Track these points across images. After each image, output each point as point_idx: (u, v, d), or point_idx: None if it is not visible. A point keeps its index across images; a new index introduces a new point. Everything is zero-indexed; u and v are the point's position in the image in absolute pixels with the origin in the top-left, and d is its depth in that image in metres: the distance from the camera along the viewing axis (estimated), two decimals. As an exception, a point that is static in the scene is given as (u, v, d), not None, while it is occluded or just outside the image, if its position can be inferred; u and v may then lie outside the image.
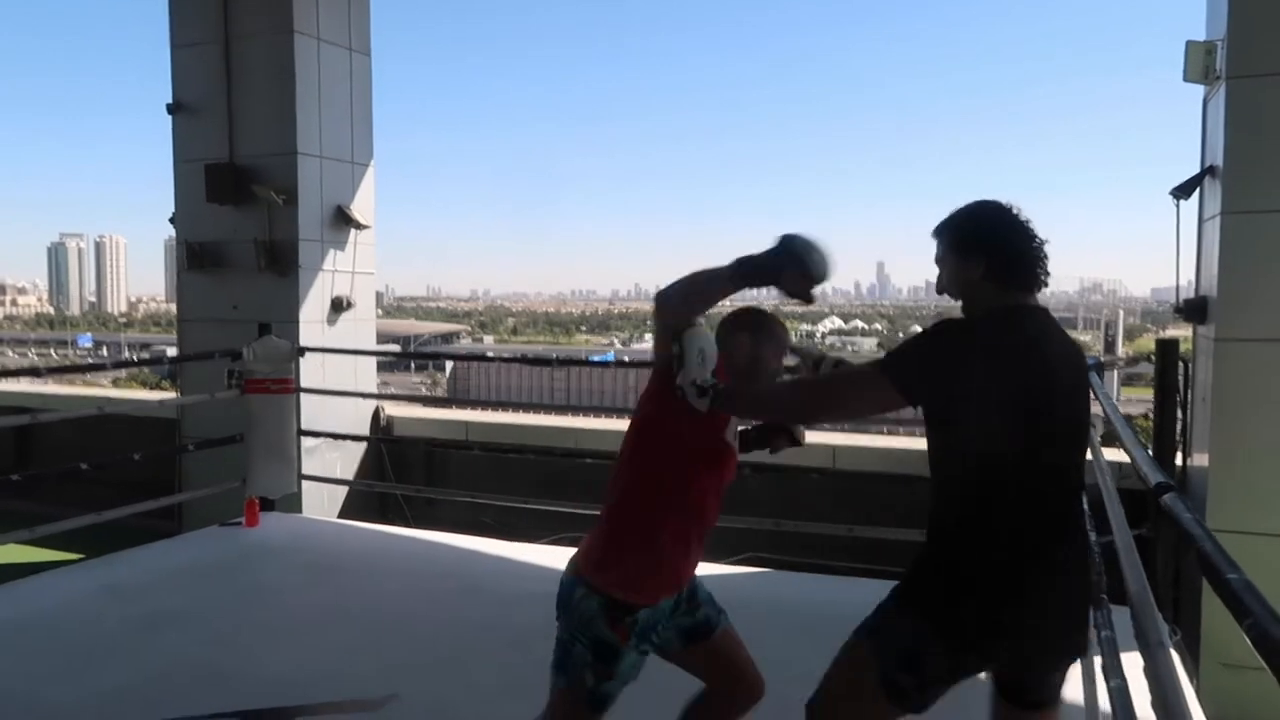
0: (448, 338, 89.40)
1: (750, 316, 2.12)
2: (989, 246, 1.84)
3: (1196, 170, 4.47)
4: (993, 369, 1.71)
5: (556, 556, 4.60)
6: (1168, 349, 4.48)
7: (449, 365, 41.52)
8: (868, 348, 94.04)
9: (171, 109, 6.75)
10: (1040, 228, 1.87)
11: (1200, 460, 4.33)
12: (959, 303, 1.90)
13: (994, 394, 1.71)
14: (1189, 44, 4.31)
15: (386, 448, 6.84)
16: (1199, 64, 4.30)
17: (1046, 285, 1.87)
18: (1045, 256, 1.86)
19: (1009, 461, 1.74)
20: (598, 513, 2.10)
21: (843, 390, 1.91)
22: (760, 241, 1.86)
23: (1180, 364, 4.45)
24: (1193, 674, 3.62)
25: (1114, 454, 3.73)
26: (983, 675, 1.92)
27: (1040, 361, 1.77)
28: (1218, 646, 3.88)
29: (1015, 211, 1.87)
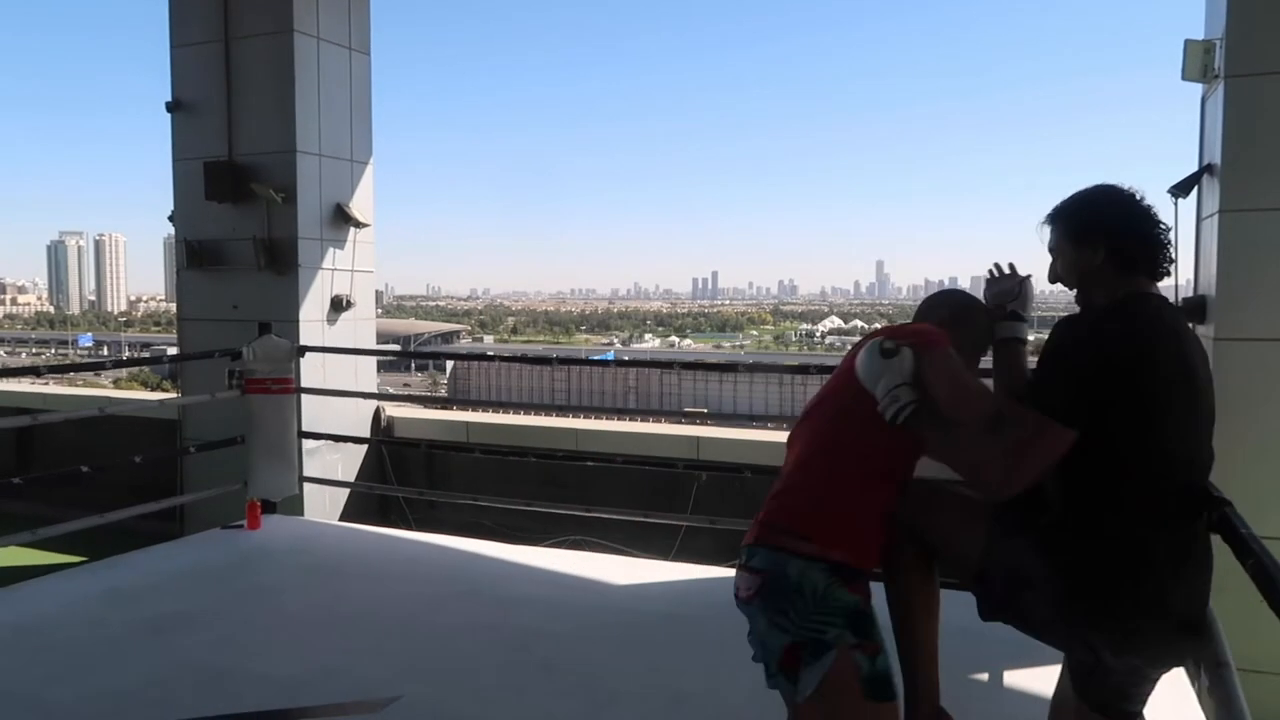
0: (448, 337, 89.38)
1: (946, 309, 2.15)
2: (1109, 230, 1.79)
3: (1194, 169, 4.47)
4: (1146, 360, 1.66)
5: (558, 559, 4.61)
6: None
7: (449, 365, 41.52)
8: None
9: (170, 107, 6.76)
10: (1164, 216, 1.83)
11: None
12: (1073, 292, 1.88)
13: (1153, 383, 1.66)
14: (1187, 43, 4.32)
15: (388, 449, 6.84)
16: (1197, 63, 4.30)
17: (1169, 274, 1.83)
18: (1168, 243, 1.81)
19: (1179, 458, 1.72)
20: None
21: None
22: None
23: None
24: (1194, 677, 3.61)
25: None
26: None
27: (1188, 347, 1.73)
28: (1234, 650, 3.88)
29: (1136, 196, 1.82)
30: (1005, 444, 1.64)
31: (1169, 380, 1.67)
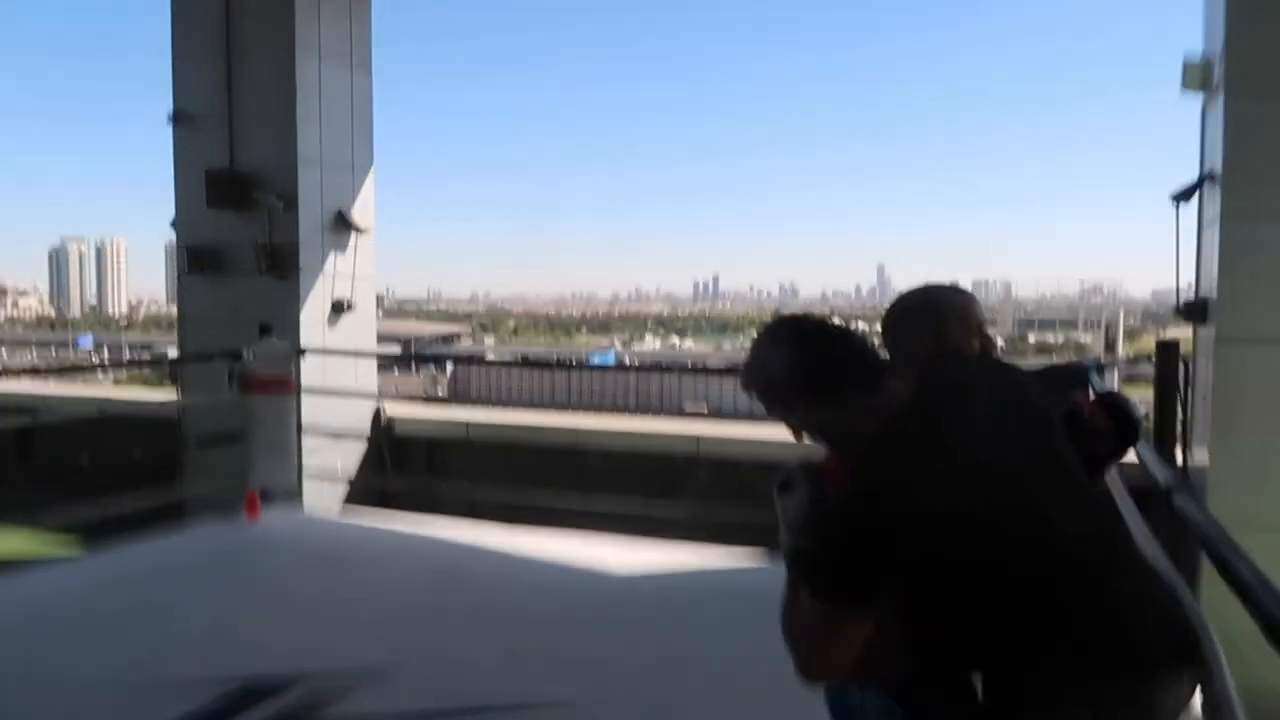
0: (448, 339, 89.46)
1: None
2: (792, 387, 1.51)
3: (1195, 176, 4.51)
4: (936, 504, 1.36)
5: (557, 548, 4.61)
6: (1168, 349, 4.50)
7: (449, 367, 41.54)
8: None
9: (173, 119, 6.76)
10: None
11: (1200, 458, 4.35)
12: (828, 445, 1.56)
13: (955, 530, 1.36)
14: (1186, 60, 4.38)
15: (388, 450, 6.84)
16: (1196, 76, 4.37)
17: (876, 376, 1.51)
18: (857, 343, 1.52)
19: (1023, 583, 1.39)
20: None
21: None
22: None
23: (1181, 364, 4.47)
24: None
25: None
26: None
27: (976, 444, 1.45)
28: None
29: (787, 320, 1.58)
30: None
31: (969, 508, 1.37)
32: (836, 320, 1.65)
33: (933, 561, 1.36)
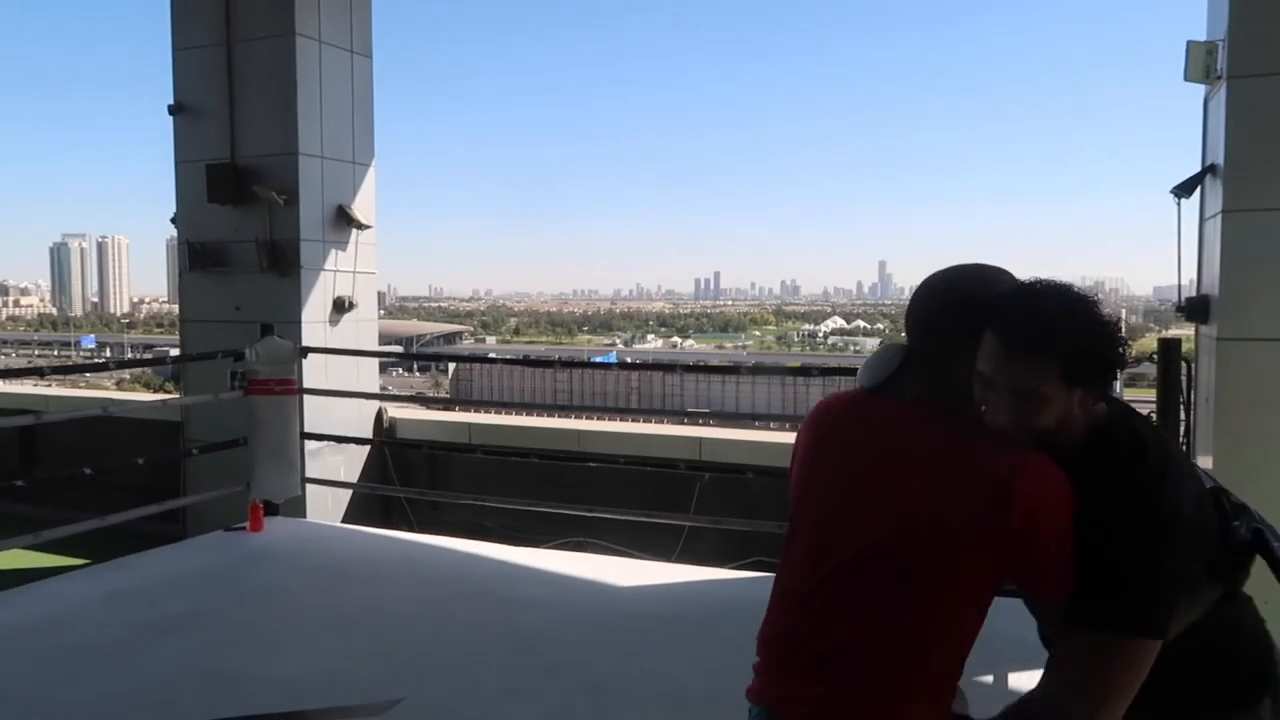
0: (450, 338, 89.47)
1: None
2: (1093, 364, 1.33)
3: (1197, 169, 4.47)
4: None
5: (560, 560, 4.61)
6: (1170, 349, 4.46)
7: (451, 366, 41.56)
8: (870, 347, 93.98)
9: (173, 110, 6.77)
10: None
11: (1204, 461, 4.32)
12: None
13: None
14: (1190, 44, 4.32)
15: (390, 451, 6.84)
16: (1200, 64, 4.30)
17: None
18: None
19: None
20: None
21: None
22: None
23: (1183, 364, 4.44)
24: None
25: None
26: None
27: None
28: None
29: (1086, 294, 1.38)
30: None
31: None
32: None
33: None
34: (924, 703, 1.37)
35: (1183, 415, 4.43)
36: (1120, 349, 1.34)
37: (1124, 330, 1.37)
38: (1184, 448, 4.42)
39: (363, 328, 6.93)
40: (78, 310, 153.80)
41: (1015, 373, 1.31)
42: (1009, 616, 1.72)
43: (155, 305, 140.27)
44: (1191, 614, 1.41)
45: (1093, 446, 1.37)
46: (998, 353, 1.32)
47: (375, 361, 7.57)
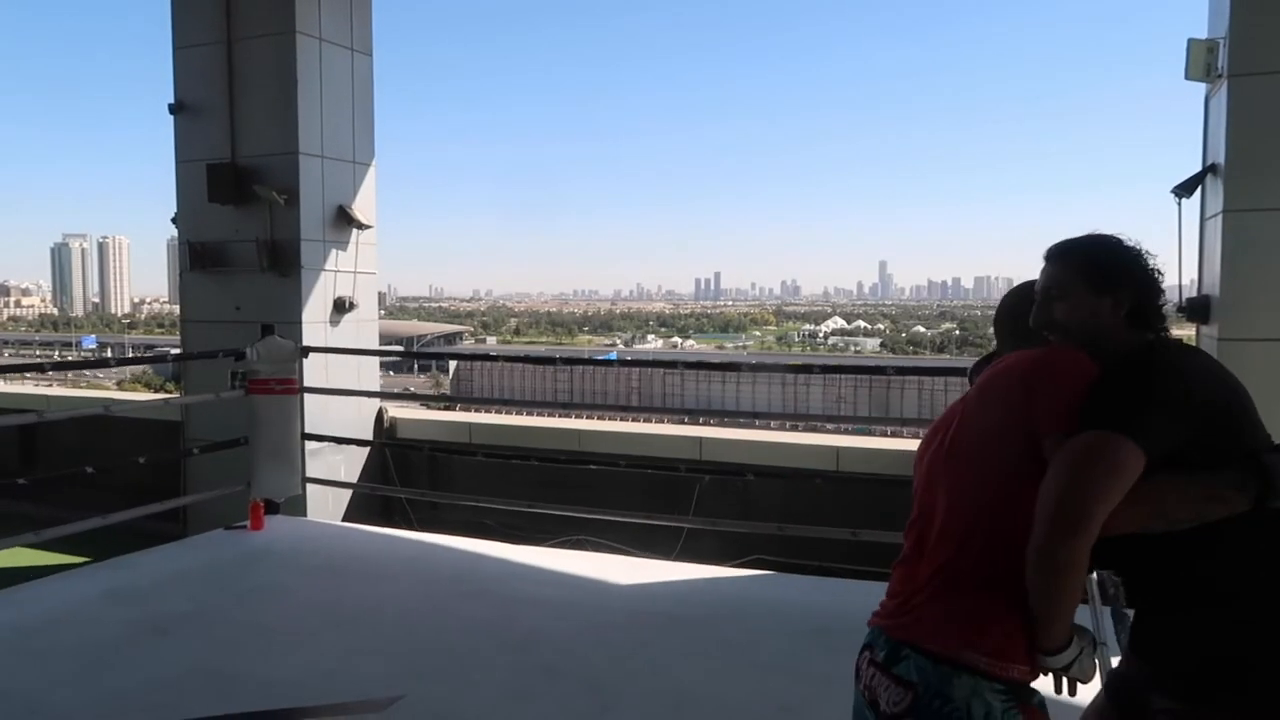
0: (450, 338, 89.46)
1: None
2: (1138, 285, 1.64)
3: (1198, 168, 4.46)
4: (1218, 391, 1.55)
5: (560, 559, 4.61)
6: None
7: (452, 366, 41.55)
8: (870, 347, 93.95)
9: (174, 109, 6.77)
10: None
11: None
12: (1065, 341, 1.66)
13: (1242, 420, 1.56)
14: (1191, 42, 4.31)
15: (391, 451, 6.84)
16: (1201, 62, 4.29)
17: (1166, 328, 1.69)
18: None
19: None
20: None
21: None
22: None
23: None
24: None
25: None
26: None
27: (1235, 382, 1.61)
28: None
29: (1147, 255, 1.69)
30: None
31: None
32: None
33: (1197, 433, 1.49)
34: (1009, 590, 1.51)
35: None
36: (1144, 269, 1.65)
37: (1158, 271, 1.67)
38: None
39: (363, 328, 6.94)
40: (79, 311, 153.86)
41: (1051, 275, 1.68)
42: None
43: (156, 305, 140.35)
44: (1216, 490, 1.49)
45: (1125, 358, 1.57)
46: (1043, 268, 1.71)
47: (376, 361, 7.57)
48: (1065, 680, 1.54)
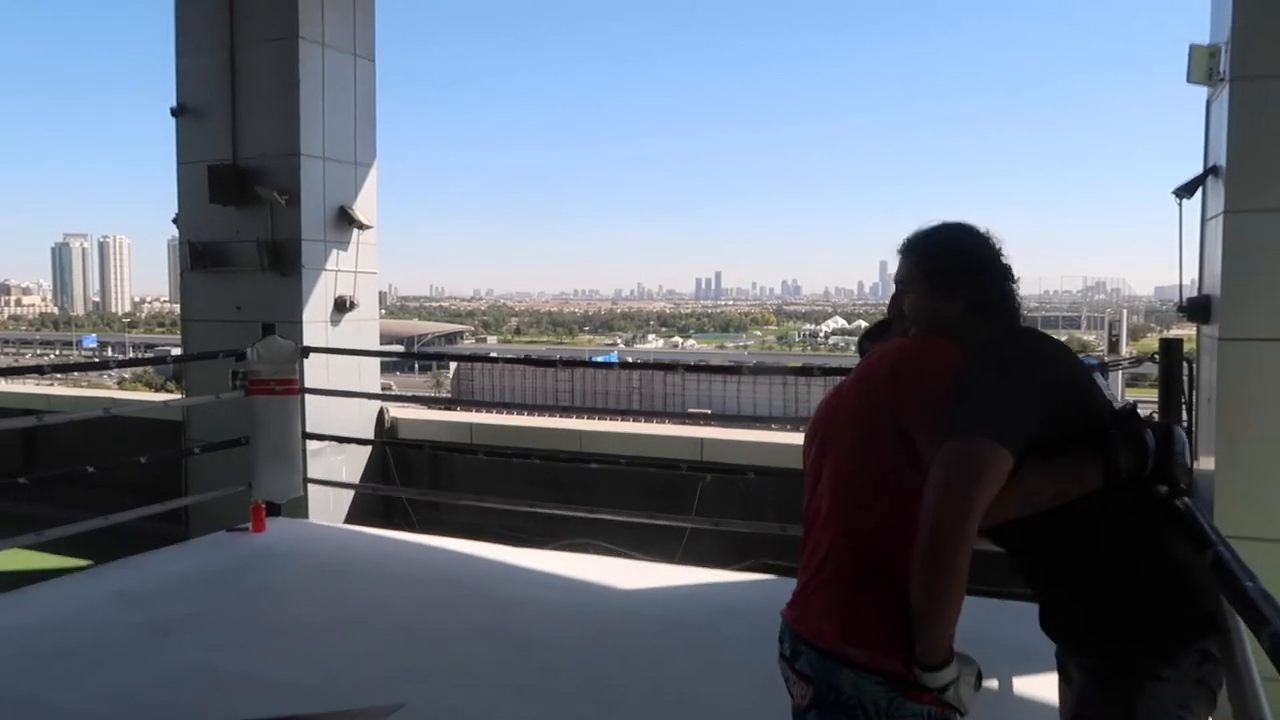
0: (451, 338, 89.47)
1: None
2: (974, 282, 1.69)
3: (1199, 170, 4.47)
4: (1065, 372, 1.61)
5: (561, 562, 4.60)
6: (1171, 349, 4.45)
7: (453, 366, 41.55)
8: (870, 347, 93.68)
9: (175, 112, 6.77)
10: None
11: (1205, 464, 4.31)
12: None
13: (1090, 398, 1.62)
14: (1193, 47, 4.32)
15: (392, 451, 6.84)
16: (1202, 66, 4.30)
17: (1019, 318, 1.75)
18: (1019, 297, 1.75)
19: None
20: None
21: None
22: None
23: (1185, 364, 4.43)
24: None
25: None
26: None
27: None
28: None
29: (995, 243, 1.74)
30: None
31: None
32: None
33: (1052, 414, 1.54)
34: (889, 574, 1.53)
35: (1185, 417, 4.42)
36: (983, 266, 1.70)
37: (1000, 264, 1.72)
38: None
39: (364, 327, 6.94)
40: (79, 310, 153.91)
41: (899, 269, 1.75)
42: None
43: (157, 305, 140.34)
44: (1071, 472, 1.57)
45: (976, 354, 1.60)
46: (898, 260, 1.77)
47: (377, 361, 7.57)
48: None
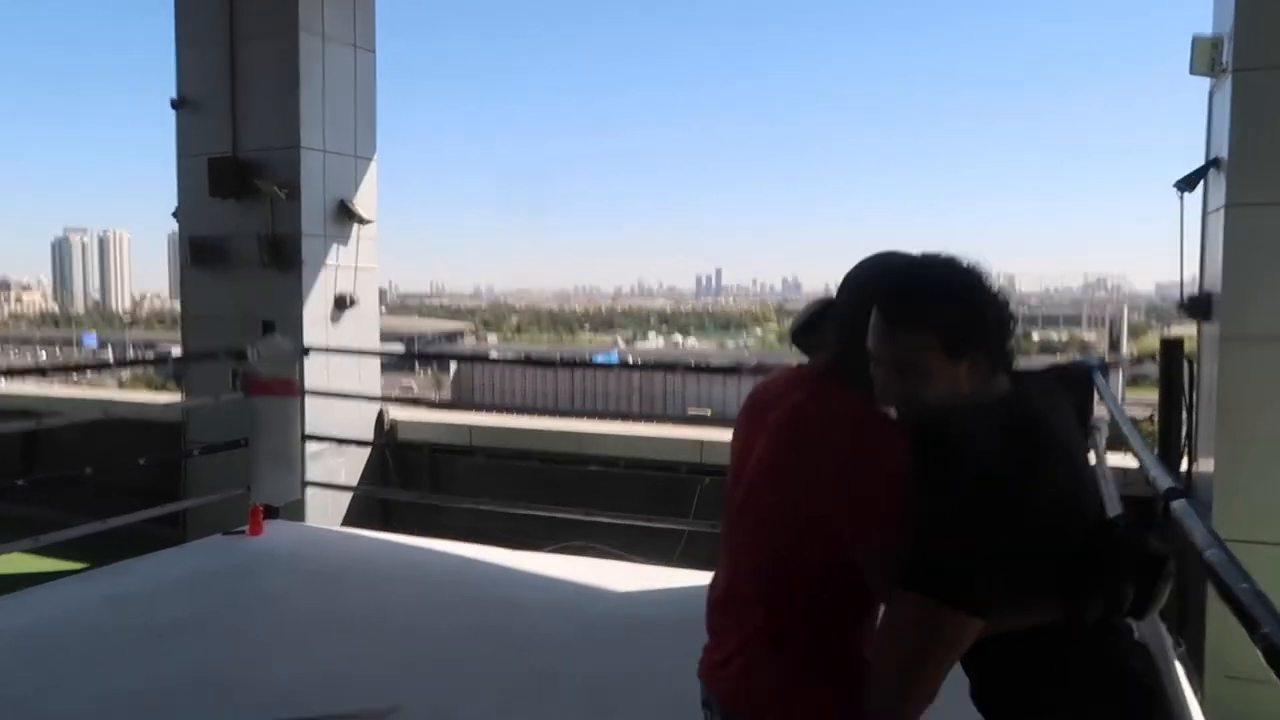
0: (451, 337, 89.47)
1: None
2: (983, 339, 1.34)
3: (1201, 163, 4.45)
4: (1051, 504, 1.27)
5: (560, 565, 4.59)
6: (1172, 348, 4.42)
7: (453, 366, 41.53)
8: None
9: (175, 104, 6.76)
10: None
11: (1205, 465, 4.28)
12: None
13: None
14: (1195, 38, 4.31)
15: (391, 453, 6.82)
16: (1205, 58, 4.29)
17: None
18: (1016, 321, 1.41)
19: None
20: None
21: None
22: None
23: (1186, 364, 4.41)
24: (1197, 686, 3.59)
25: (1121, 458, 3.70)
26: None
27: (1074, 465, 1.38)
28: (1223, 658, 3.85)
29: (971, 266, 1.37)
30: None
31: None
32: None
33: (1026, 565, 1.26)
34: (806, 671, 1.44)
35: (1186, 416, 4.40)
36: (1001, 319, 1.35)
37: (1009, 301, 1.37)
38: (1185, 448, 4.38)
39: (364, 324, 6.92)
40: (79, 306, 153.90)
41: (896, 346, 1.32)
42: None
43: (157, 302, 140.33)
44: (1034, 613, 1.33)
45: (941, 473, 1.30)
46: (880, 327, 1.33)
47: (377, 362, 7.56)
48: None
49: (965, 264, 1.35)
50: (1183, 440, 4.38)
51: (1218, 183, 4.32)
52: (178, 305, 7.42)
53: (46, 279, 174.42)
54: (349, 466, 6.62)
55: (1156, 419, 4.53)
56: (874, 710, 1.29)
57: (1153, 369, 4.80)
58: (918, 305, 1.31)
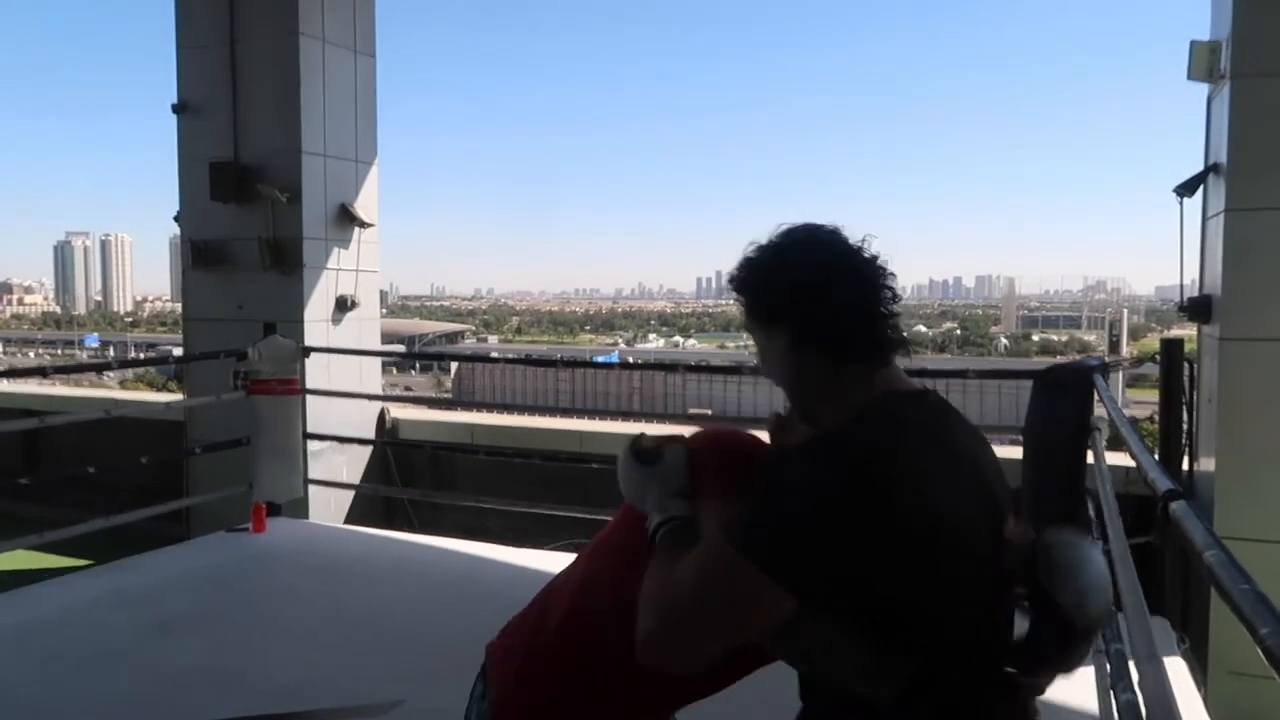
0: (452, 337, 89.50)
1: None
2: (796, 306, 1.19)
3: (1200, 168, 4.46)
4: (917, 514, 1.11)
5: (561, 562, 4.59)
6: (1172, 349, 4.44)
7: (453, 366, 41.57)
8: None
9: (177, 109, 6.78)
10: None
11: (1206, 465, 4.29)
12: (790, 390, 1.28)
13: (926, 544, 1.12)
14: (1194, 44, 4.32)
15: (392, 450, 6.84)
16: (1203, 63, 4.30)
17: (905, 352, 1.24)
18: (893, 300, 1.21)
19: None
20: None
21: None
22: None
23: (1185, 364, 4.42)
24: (1201, 682, 3.60)
25: (1120, 458, 3.71)
26: None
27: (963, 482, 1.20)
28: (1226, 655, 3.86)
29: (835, 239, 1.22)
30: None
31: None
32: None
33: (884, 571, 1.11)
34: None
35: (1186, 417, 4.41)
36: (822, 285, 1.18)
37: (868, 278, 1.20)
38: (1185, 448, 4.39)
39: (365, 326, 6.94)
40: (81, 309, 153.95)
41: (746, 319, 1.26)
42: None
43: (159, 304, 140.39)
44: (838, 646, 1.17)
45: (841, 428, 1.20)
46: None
47: (378, 361, 7.57)
48: None
49: (804, 234, 1.22)
50: (1184, 439, 4.40)
51: (1217, 188, 4.33)
52: (179, 308, 7.44)
53: (49, 282, 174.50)
54: (351, 465, 6.63)
55: (1157, 419, 4.54)
56: (643, 632, 1.16)
57: (1153, 369, 4.81)
58: (735, 273, 1.25)
